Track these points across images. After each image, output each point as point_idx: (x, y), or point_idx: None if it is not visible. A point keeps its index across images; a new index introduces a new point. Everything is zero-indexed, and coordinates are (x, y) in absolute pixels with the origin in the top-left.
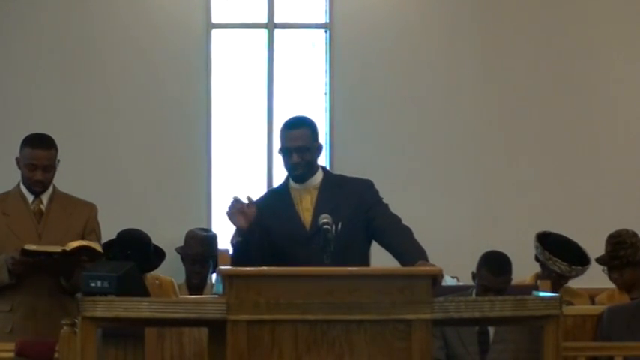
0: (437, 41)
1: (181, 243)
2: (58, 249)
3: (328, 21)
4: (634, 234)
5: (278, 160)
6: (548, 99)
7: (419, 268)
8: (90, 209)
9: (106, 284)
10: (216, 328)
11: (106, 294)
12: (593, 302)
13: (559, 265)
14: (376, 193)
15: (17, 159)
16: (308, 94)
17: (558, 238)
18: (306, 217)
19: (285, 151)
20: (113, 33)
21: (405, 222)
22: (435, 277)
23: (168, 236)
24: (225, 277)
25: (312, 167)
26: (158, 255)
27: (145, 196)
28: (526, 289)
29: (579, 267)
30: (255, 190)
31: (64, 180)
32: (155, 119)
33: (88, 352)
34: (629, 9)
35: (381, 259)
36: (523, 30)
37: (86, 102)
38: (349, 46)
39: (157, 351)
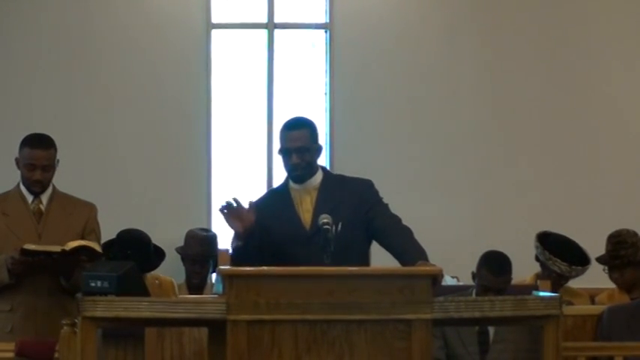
0: (437, 41)
1: (181, 243)
2: (57, 249)
3: (328, 21)
4: (635, 234)
5: (278, 160)
6: (548, 99)
7: (419, 268)
8: (90, 209)
9: (106, 284)
10: (216, 328)
11: (106, 294)
12: (593, 302)
13: (559, 265)
14: (376, 192)
15: (16, 159)
16: (308, 94)
17: (558, 238)
18: (306, 217)
19: (284, 152)
20: (113, 33)
21: (405, 222)
22: (435, 277)
23: (168, 236)
24: (225, 277)
25: (312, 168)
26: (158, 255)
27: (145, 196)
28: (526, 289)
29: (579, 267)
30: (255, 190)
31: (63, 180)
32: (155, 119)
33: (88, 352)
34: (628, 9)
35: (381, 259)
36: (523, 30)
37: (86, 102)
38: (349, 46)
39: (157, 351)
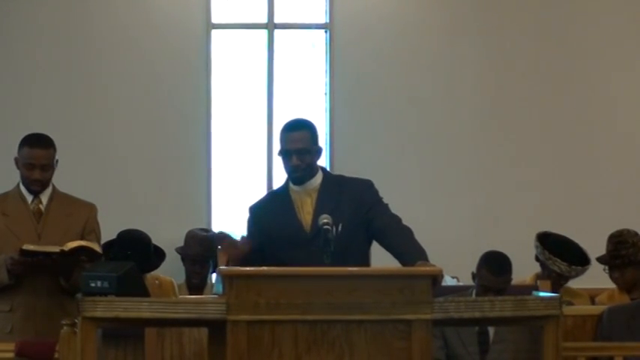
0: (437, 41)
1: (181, 243)
2: (56, 249)
3: (328, 21)
4: (635, 234)
5: (278, 161)
6: (549, 99)
7: (419, 269)
8: (90, 209)
9: (105, 284)
10: (216, 328)
11: (106, 294)
12: (593, 302)
13: (559, 265)
14: (376, 192)
15: (16, 158)
16: (308, 95)
17: (558, 238)
18: (307, 219)
19: (285, 153)
20: (113, 33)
21: (405, 222)
22: (435, 278)
23: (168, 236)
24: (225, 277)
25: (312, 169)
26: (158, 255)
27: (145, 196)
28: (526, 289)
29: (579, 267)
30: (255, 190)
31: (63, 180)
32: (155, 119)
33: (88, 352)
34: (628, 9)
35: (381, 259)
36: (523, 30)
37: (86, 102)
38: (349, 46)
39: (156, 351)
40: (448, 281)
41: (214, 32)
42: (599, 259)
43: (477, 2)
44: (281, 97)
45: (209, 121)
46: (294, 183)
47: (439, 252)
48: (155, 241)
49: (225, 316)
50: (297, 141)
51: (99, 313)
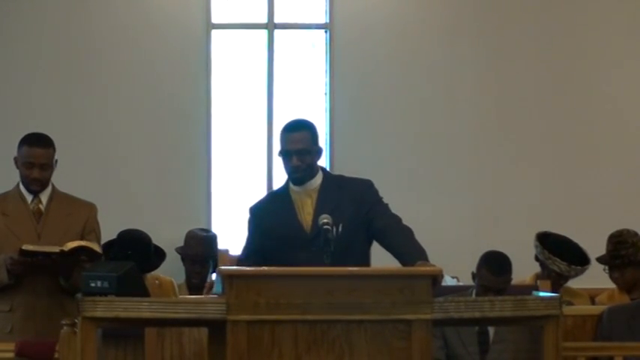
0: (437, 41)
1: (181, 243)
2: (56, 249)
3: (328, 21)
4: (635, 234)
5: (278, 161)
6: (549, 99)
7: (419, 269)
8: (89, 209)
9: (105, 284)
10: (216, 328)
11: (106, 294)
12: (593, 302)
13: (559, 265)
14: (376, 192)
15: (15, 158)
16: (308, 95)
17: (558, 238)
18: (307, 219)
19: (285, 154)
20: (113, 33)
21: (405, 222)
22: (435, 278)
23: (168, 236)
24: (225, 277)
25: (312, 170)
26: (158, 255)
27: (145, 196)
28: (526, 289)
29: (579, 267)
30: (255, 190)
31: (63, 180)
32: (155, 119)
33: (88, 352)
34: (628, 9)
35: (381, 259)
36: (523, 30)
37: (86, 102)
38: (349, 46)
39: (157, 351)
40: (448, 281)
41: (214, 32)
42: (599, 260)
43: (477, 2)
44: (281, 97)
45: (209, 121)
46: (295, 183)
47: (439, 252)
48: (155, 241)
49: (225, 316)
50: (298, 141)
51: (99, 313)
